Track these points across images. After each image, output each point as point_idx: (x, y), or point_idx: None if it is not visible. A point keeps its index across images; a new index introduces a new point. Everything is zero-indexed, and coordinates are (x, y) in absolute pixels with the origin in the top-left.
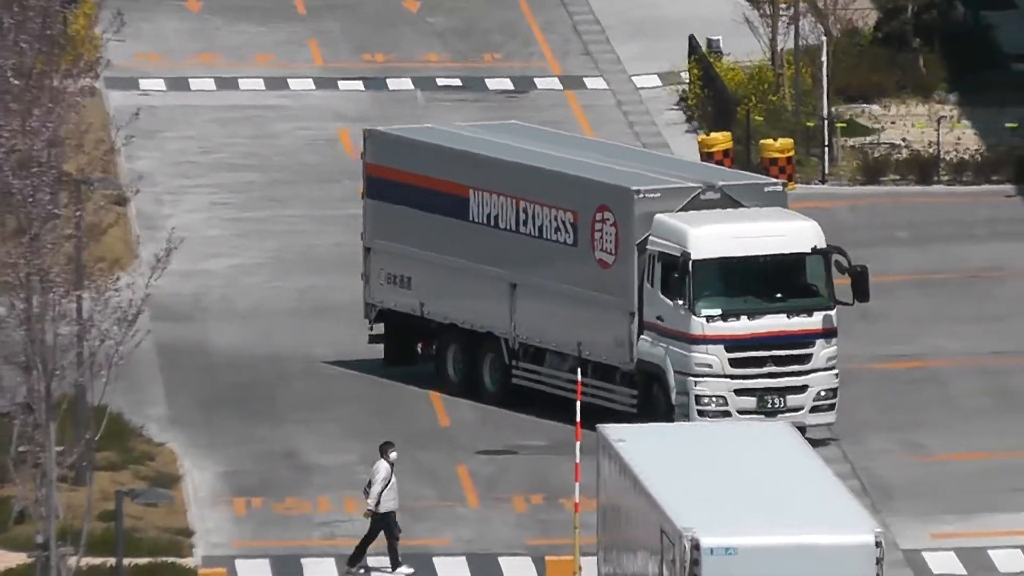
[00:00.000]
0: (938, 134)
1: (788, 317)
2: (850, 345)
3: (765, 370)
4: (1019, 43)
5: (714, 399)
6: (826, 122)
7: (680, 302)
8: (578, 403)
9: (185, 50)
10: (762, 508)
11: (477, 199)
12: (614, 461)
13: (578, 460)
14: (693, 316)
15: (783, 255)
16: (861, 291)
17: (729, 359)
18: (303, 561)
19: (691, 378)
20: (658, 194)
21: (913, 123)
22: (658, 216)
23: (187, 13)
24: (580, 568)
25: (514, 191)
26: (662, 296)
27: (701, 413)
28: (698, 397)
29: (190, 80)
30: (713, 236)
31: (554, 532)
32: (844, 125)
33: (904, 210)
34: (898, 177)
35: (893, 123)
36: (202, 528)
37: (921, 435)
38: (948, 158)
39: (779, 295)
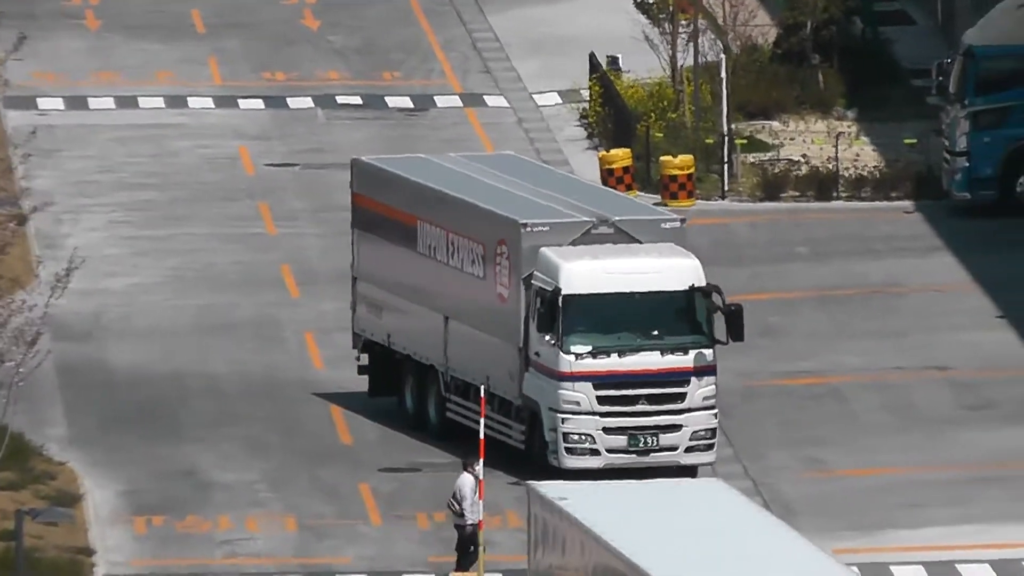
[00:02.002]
0: (837, 150)
1: (662, 355)
2: (751, 361)
3: (636, 408)
4: (917, 58)
5: (582, 437)
6: (726, 139)
7: (550, 338)
8: (482, 420)
9: (84, 69)
10: (742, 565)
11: (422, 230)
12: (559, 519)
13: (481, 477)
14: (561, 353)
15: (658, 292)
16: (735, 330)
17: (597, 396)
18: None
19: (559, 415)
20: (547, 228)
21: (812, 139)
22: (541, 250)
23: (86, 32)
24: None
25: (444, 222)
26: (538, 332)
27: (569, 451)
28: (566, 435)
29: (89, 99)
30: (585, 272)
31: None
32: (744, 141)
33: (804, 226)
34: (797, 193)
35: (792, 139)
36: (103, 547)
37: (822, 451)
38: (847, 174)
39: (655, 332)
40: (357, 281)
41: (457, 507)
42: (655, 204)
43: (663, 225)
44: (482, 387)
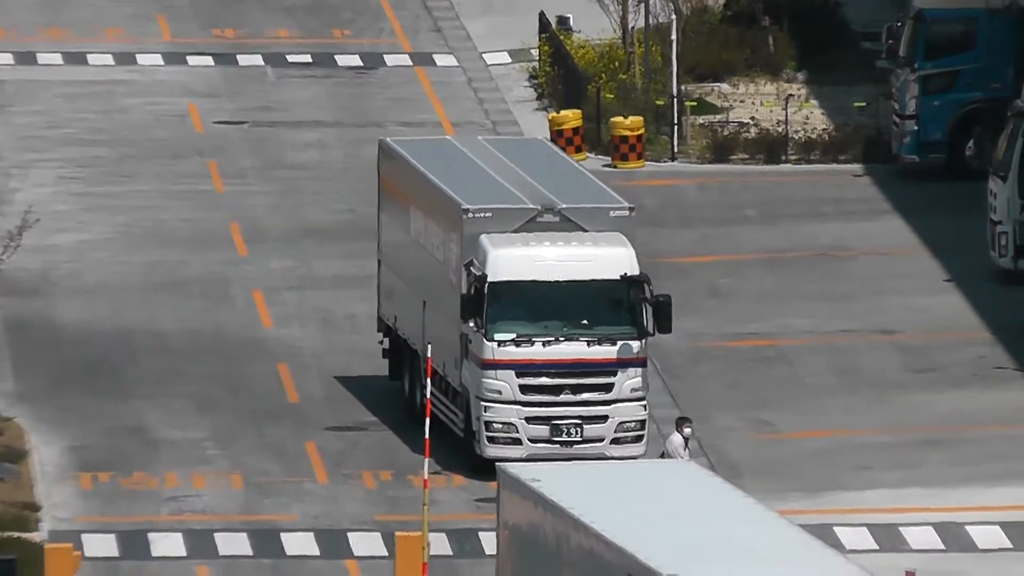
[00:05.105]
0: (786, 113)
1: (588, 345)
2: (699, 323)
3: (560, 398)
4: (868, 22)
5: (504, 426)
6: (676, 100)
7: (475, 325)
8: (428, 380)
9: (33, 24)
10: (737, 551)
11: (413, 214)
12: (533, 501)
13: (427, 436)
14: (485, 340)
15: (587, 281)
16: (663, 321)
17: (520, 385)
18: (150, 536)
19: (482, 403)
20: (490, 214)
21: (762, 102)
22: (480, 237)
23: None
24: (428, 544)
25: (423, 206)
26: (467, 319)
27: (491, 440)
28: (488, 423)
29: (38, 55)
30: (512, 259)
31: (403, 508)
32: (694, 104)
33: (753, 189)
34: (747, 156)
35: (742, 102)
36: (49, 503)
37: (769, 413)
38: (796, 137)
39: (583, 322)
40: (381, 265)
41: None
42: (605, 166)
43: (611, 213)
44: (428, 346)
